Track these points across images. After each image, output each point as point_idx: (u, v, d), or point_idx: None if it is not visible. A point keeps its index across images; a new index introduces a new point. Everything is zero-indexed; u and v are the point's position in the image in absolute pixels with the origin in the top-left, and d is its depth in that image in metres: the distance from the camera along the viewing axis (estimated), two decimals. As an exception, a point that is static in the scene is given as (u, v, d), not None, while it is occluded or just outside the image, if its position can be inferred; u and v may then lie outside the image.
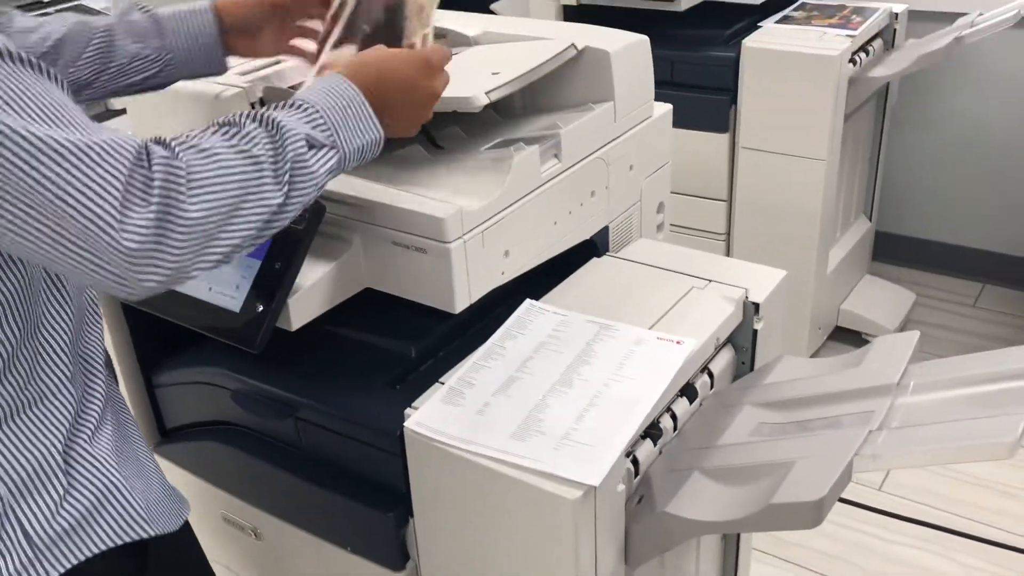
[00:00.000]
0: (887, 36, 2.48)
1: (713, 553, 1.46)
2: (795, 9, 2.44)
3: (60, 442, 0.91)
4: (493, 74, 1.23)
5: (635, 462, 1.12)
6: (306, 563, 1.34)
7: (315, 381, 1.23)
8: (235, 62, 1.21)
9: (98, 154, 0.75)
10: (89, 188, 0.74)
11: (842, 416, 1.06)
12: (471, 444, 1.05)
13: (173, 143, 0.82)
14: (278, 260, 1.13)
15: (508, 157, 1.19)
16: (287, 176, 0.85)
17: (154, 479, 1.02)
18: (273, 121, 0.86)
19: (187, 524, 1.07)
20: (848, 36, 2.24)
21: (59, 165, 0.73)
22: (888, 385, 1.06)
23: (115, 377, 1.10)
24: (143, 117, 1.32)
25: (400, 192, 1.15)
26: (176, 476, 1.43)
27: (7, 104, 0.73)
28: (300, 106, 0.90)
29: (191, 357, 1.34)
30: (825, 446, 1.00)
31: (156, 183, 0.77)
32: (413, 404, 1.13)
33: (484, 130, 1.36)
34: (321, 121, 0.90)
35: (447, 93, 1.20)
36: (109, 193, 0.75)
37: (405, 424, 1.10)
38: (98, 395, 0.97)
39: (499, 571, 1.12)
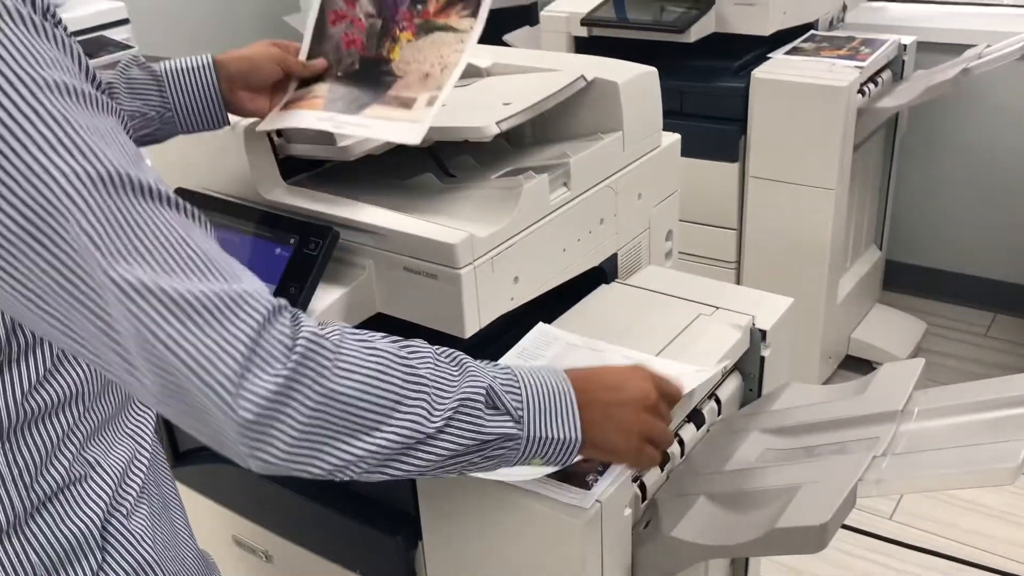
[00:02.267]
0: (896, 67, 2.51)
1: (721, 580, 1.47)
2: (804, 40, 2.47)
3: (100, 517, 0.86)
4: (504, 104, 1.25)
5: (642, 487, 1.13)
6: (316, 586, 1.35)
7: (327, 404, 1.24)
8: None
9: (229, 308, 0.68)
10: (208, 347, 0.67)
11: (847, 442, 1.07)
12: (480, 467, 1.07)
13: (329, 325, 0.75)
14: (292, 285, 1.15)
15: (518, 185, 1.21)
16: (449, 411, 0.78)
17: (187, 549, 0.98)
18: (457, 357, 0.82)
19: None
20: (857, 67, 2.27)
21: (180, 321, 0.67)
22: (893, 411, 1.07)
23: (160, 435, 1.04)
24: (162, 146, 1.35)
25: (412, 219, 1.17)
26: (189, 498, 1.44)
27: (145, 251, 0.67)
28: (503, 367, 0.85)
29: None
30: (830, 471, 1.01)
31: (297, 349, 0.70)
32: (423, 427, 1.14)
33: (495, 159, 1.38)
34: (516, 390, 0.84)
35: (458, 123, 1.24)
36: (231, 354, 0.67)
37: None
38: (143, 464, 0.92)
39: (507, 594, 1.13)
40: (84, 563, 0.85)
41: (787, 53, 2.41)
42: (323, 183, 1.30)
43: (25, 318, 0.70)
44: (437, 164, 1.38)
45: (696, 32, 2.35)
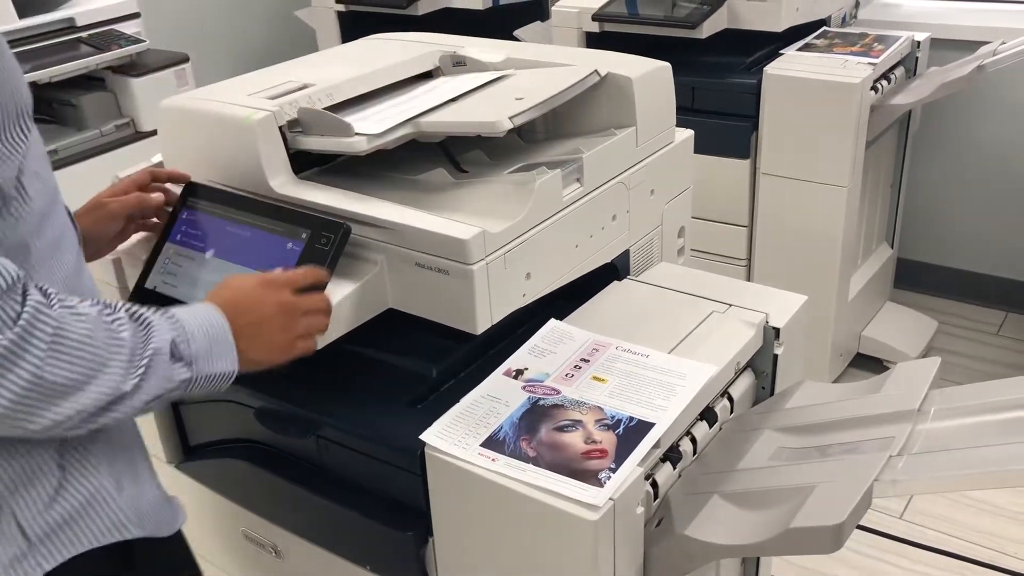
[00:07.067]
0: (909, 64, 2.49)
1: (732, 578, 1.46)
2: (817, 37, 2.46)
3: (55, 440, 0.92)
4: (517, 99, 1.24)
5: (655, 485, 1.12)
6: (326, 581, 1.35)
7: (337, 400, 1.24)
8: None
9: None
10: None
11: (862, 441, 1.06)
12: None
13: (52, 293, 0.84)
14: (303, 280, 1.14)
15: (531, 181, 1.21)
16: (143, 369, 0.89)
17: (148, 487, 1.04)
18: (144, 319, 0.91)
19: (179, 534, 1.09)
20: (870, 64, 2.25)
21: None
22: (909, 411, 1.06)
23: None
24: (173, 139, 1.35)
25: (424, 214, 1.16)
26: (199, 493, 1.45)
27: None
28: (173, 318, 0.94)
29: (216, 375, 1.36)
30: (845, 471, 1.00)
31: (21, 321, 0.80)
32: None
33: (507, 154, 1.38)
34: (185, 340, 0.93)
35: (470, 118, 1.23)
36: None
37: (426, 443, 1.11)
38: None
39: (518, 592, 1.12)
40: (45, 482, 0.92)
41: (800, 49, 2.39)
42: (335, 178, 1.30)
43: None
44: (449, 159, 1.37)
45: (708, 28, 2.34)
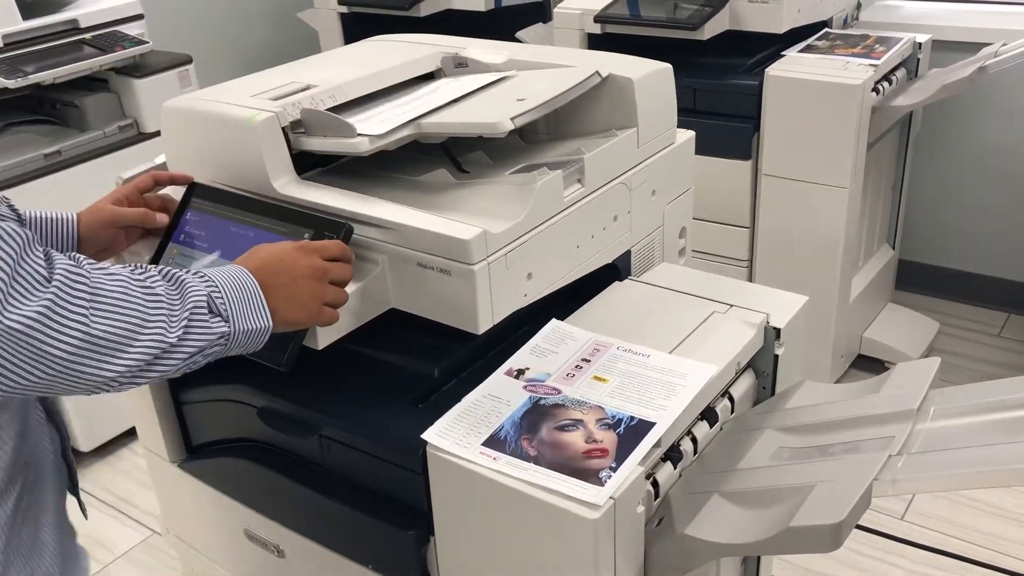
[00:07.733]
0: (910, 65, 2.49)
1: (733, 578, 1.46)
2: (818, 38, 2.46)
3: None
4: (518, 100, 1.25)
5: (655, 484, 1.13)
6: (328, 581, 1.35)
7: (340, 400, 1.25)
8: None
9: None
10: None
11: (862, 441, 1.06)
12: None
13: (80, 257, 0.87)
14: (306, 280, 1.15)
15: (532, 181, 1.21)
16: (184, 321, 0.92)
17: (44, 559, 1.02)
18: (175, 276, 0.95)
19: None
20: (871, 65, 2.25)
21: None
22: (909, 411, 1.07)
23: (61, 433, 1.09)
24: (176, 140, 1.35)
25: (426, 215, 1.17)
26: (201, 492, 1.45)
27: None
28: (203, 276, 0.98)
29: (218, 375, 1.36)
30: (845, 470, 1.01)
31: (56, 280, 0.82)
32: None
33: (509, 155, 1.38)
34: (220, 295, 0.97)
35: (472, 119, 1.24)
36: None
37: (428, 442, 1.12)
38: (2, 461, 0.95)
39: (519, 591, 1.12)
40: None
41: (801, 51, 2.40)
42: (337, 178, 1.30)
43: None
44: (451, 160, 1.38)
45: (709, 29, 2.34)
